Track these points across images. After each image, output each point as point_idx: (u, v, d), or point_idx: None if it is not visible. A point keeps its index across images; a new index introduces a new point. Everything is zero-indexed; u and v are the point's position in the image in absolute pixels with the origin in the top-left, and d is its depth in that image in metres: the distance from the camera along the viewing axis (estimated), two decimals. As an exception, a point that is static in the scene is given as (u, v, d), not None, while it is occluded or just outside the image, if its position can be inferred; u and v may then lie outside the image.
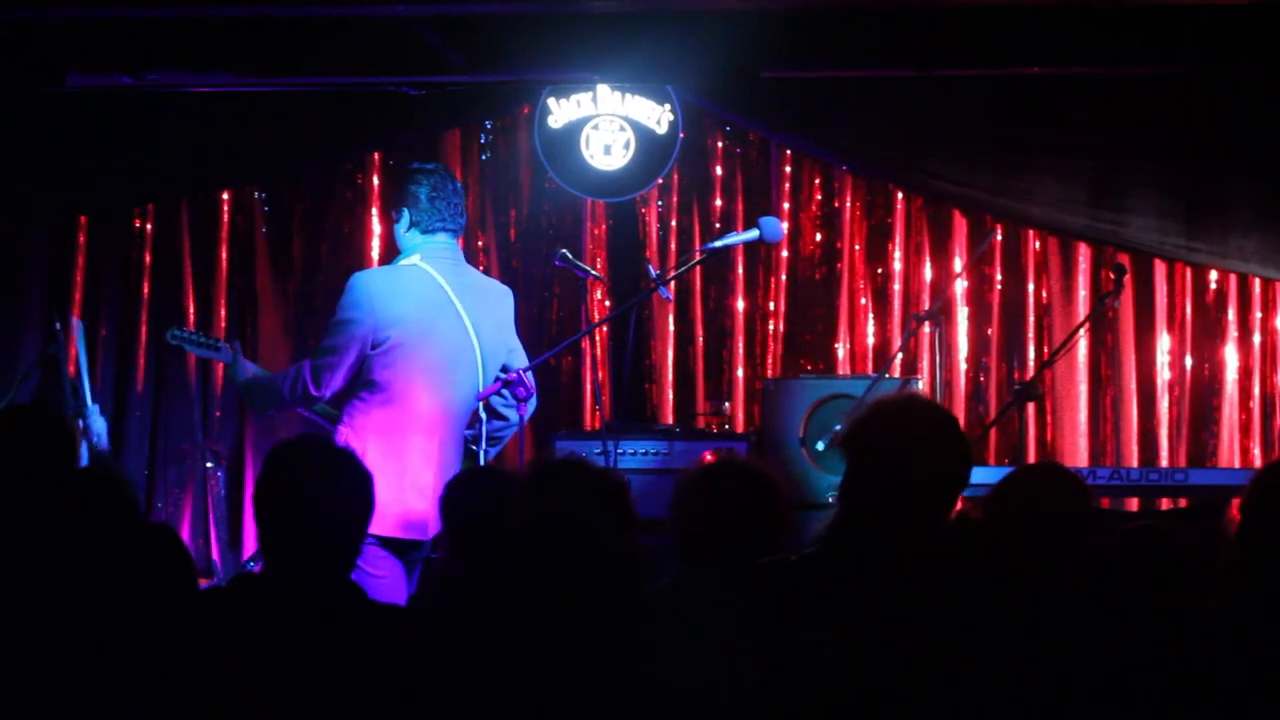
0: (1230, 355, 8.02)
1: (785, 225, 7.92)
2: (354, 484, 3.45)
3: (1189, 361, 8.05)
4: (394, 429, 5.71)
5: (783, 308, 8.24)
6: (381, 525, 5.62)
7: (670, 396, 8.24)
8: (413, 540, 5.68)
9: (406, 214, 5.88)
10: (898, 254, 8.18)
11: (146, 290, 8.24)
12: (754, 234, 6.07)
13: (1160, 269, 8.05)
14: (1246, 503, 3.37)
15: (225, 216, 8.32)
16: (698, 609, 3.56)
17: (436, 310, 5.77)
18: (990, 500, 4.21)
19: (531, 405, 5.91)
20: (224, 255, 8.29)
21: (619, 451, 6.59)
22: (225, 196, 8.31)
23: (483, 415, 5.90)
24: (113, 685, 3.26)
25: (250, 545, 7.97)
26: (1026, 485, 4.30)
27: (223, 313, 8.26)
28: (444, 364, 5.77)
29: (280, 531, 3.38)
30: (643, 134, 7.97)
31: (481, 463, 5.89)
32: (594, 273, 6.73)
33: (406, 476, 5.66)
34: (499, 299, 6.03)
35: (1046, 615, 3.25)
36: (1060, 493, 4.27)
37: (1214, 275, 8.05)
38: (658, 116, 7.96)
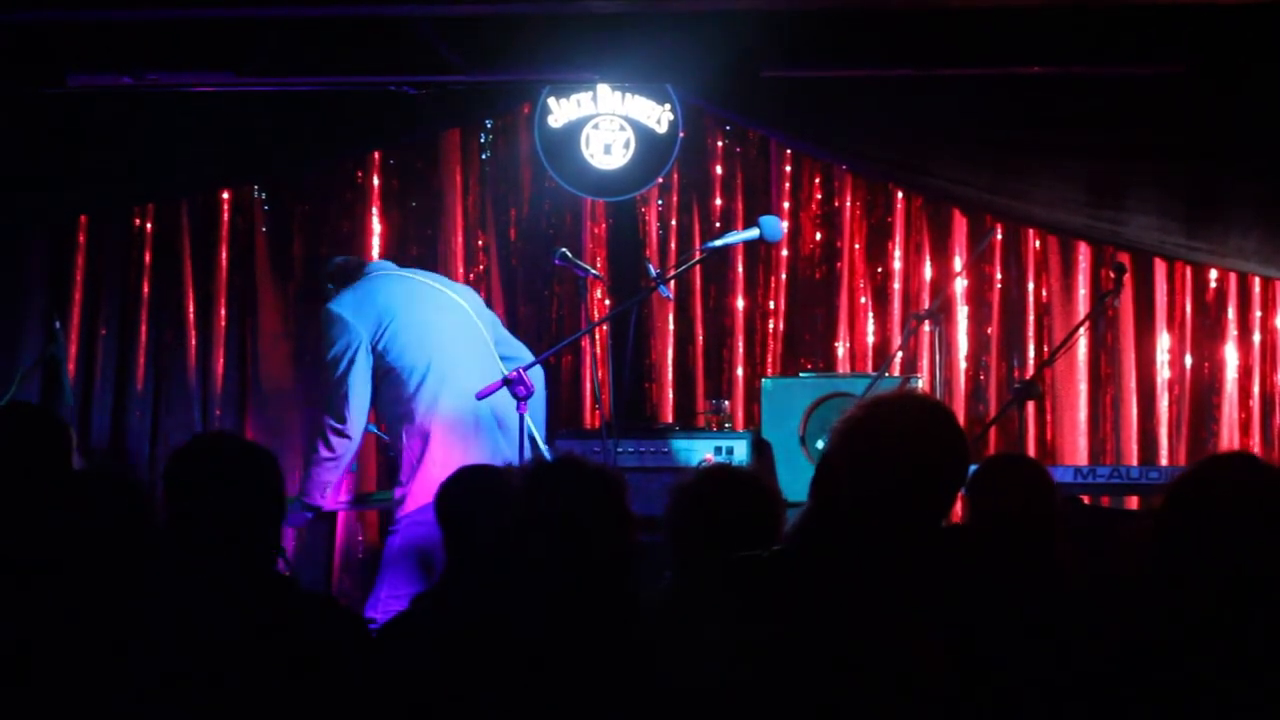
0: (1230, 354, 8.02)
1: (785, 224, 7.92)
2: (251, 479, 3.45)
3: (1189, 360, 8.05)
4: (439, 399, 5.95)
5: (783, 307, 8.24)
6: None
7: (670, 395, 8.25)
8: None
9: (333, 287, 6.32)
10: (898, 253, 8.18)
11: (146, 290, 8.23)
12: (754, 233, 6.11)
13: (1160, 268, 8.05)
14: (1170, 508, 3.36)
15: (225, 216, 8.31)
16: (692, 611, 3.56)
17: (411, 291, 6.15)
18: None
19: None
20: (224, 255, 8.29)
21: (619, 450, 6.60)
22: (225, 196, 8.31)
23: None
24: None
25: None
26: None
27: (223, 313, 8.26)
28: (447, 328, 5.99)
29: (186, 527, 3.39)
30: (643, 133, 7.96)
31: (543, 439, 6.01)
32: (594, 272, 6.77)
33: (475, 438, 5.88)
34: (465, 287, 6.53)
35: (1039, 614, 3.25)
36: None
37: (1214, 274, 8.05)
38: (658, 116, 7.97)
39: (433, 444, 6.13)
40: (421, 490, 6.12)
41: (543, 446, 6.10)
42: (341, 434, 6.11)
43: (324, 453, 6.18)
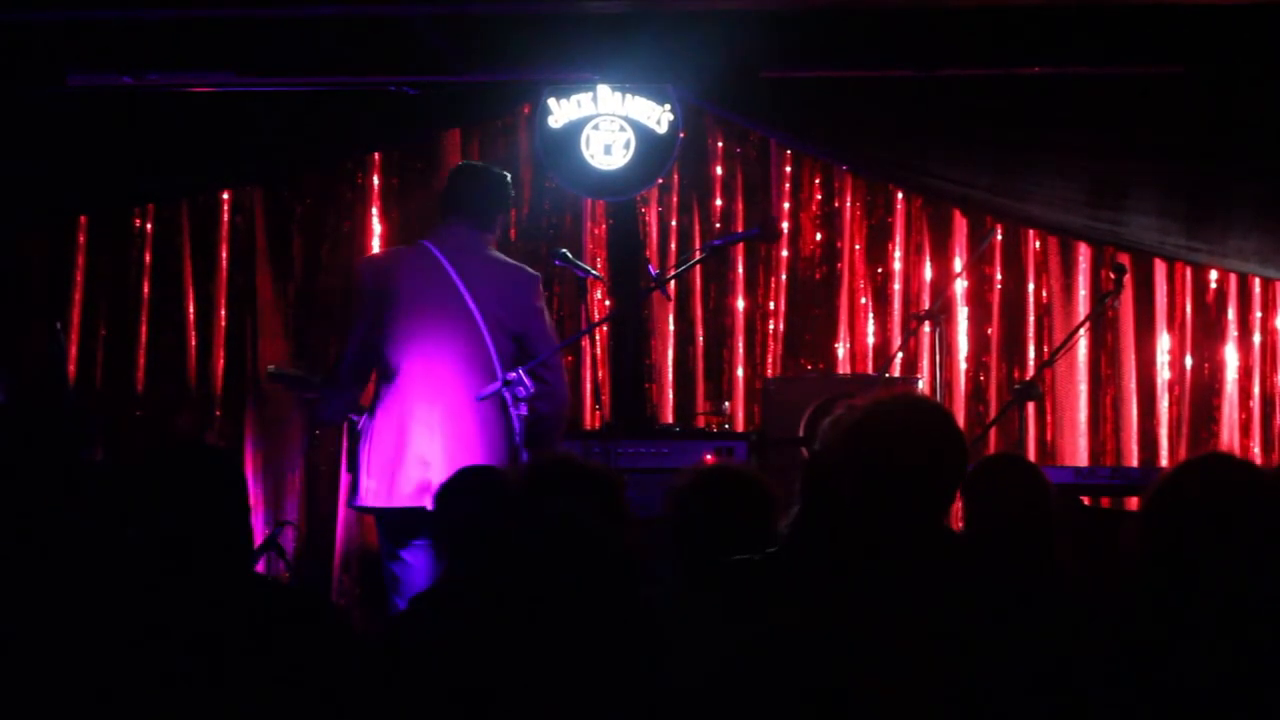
0: (1230, 355, 8.02)
1: (785, 225, 7.94)
2: (216, 481, 3.44)
3: (1189, 361, 8.05)
4: (396, 400, 5.96)
5: (783, 307, 8.24)
6: (386, 497, 5.81)
7: (670, 396, 8.24)
8: (415, 509, 5.81)
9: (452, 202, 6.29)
10: (898, 254, 8.18)
11: (146, 290, 8.22)
12: (754, 233, 6.11)
13: (1160, 268, 8.05)
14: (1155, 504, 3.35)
15: (225, 216, 8.31)
16: (691, 613, 3.57)
17: (427, 278, 6.02)
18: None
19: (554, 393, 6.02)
20: (224, 255, 8.28)
21: (619, 451, 6.59)
22: (225, 196, 8.30)
23: (508, 399, 5.92)
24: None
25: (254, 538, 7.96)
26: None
27: (223, 313, 8.25)
28: (438, 329, 5.94)
29: (160, 531, 3.38)
30: (643, 134, 7.95)
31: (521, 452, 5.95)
32: (594, 272, 6.77)
33: (406, 446, 5.83)
34: (510, 276, 6.23)
35: (1035, 615, 3.25)
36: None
37: (1214, 275, 8.05)
38: (658, 116, 7.95)
39: (370, 445, 6.06)
40: (360, 488, 6.12)
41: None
42: (332, 380, 6.18)
43: (318, 378, 6.24)
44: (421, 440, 5.91)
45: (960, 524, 4.86)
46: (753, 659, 2.96)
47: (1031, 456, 7.42)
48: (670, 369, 8.25)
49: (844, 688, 3.01)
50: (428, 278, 6.02)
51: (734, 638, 3.00)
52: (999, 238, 8.01)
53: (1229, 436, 7.97)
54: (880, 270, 8.22)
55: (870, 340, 8.17)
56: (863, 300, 8.21)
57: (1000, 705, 3.12)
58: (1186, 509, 3.24)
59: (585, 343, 7.86)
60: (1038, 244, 8.13)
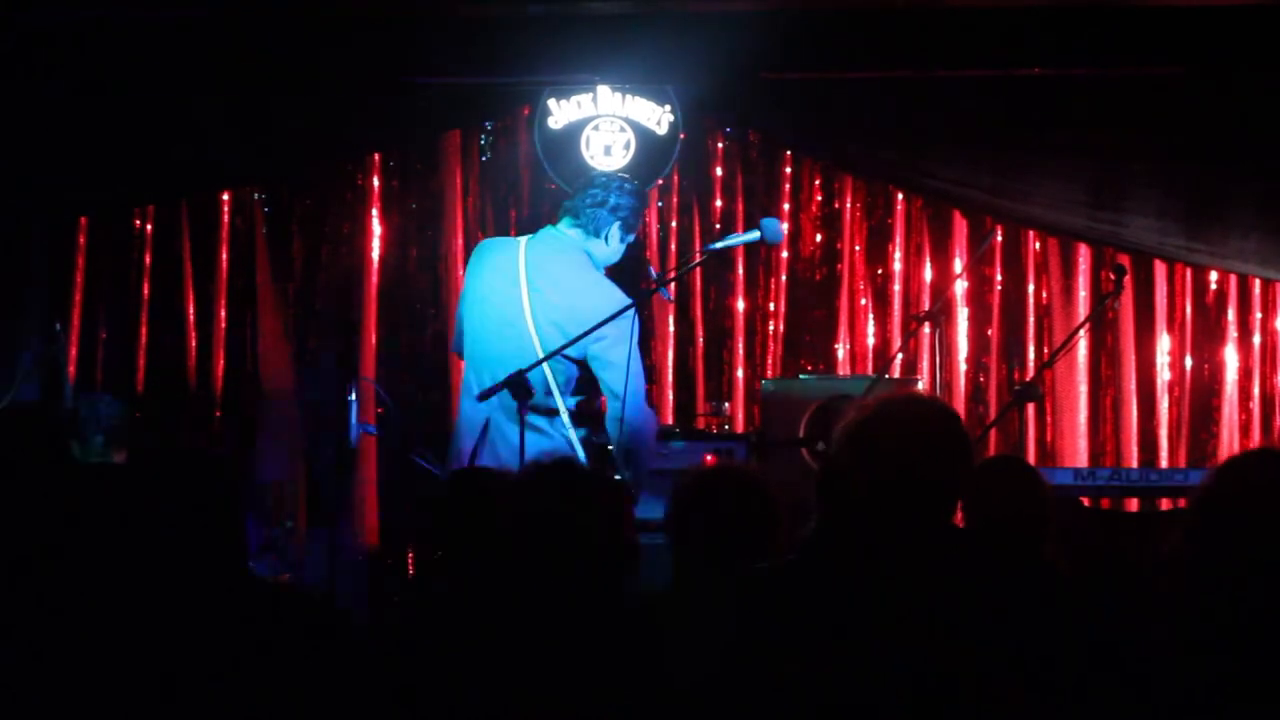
0: (1230, 356, 8.03)
1: (785, 226, 7.93)
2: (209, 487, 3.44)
3: (1189, 362, 8.06)
4: (464, 396, 5.99)
5: (783, 308, 8.24)
6: None
7: (670, 397, 8.24)
8: None
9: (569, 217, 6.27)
10: (898, 254, 8.18)
11: (146, 291, 8.22)
12: (754, 235, 6.09)
13: (1160, 269, 8.05)
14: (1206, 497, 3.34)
15: (225, 217, 8.30)
16: (693, 614, 3.56)
17: (498, 277, 5.95)
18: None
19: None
20: (224, 256, 8.28)
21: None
22: (225, 197, 8.30)
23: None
24: None
25: (251, 544, 7.95)
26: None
27: (223, 314, 8.25)
28: (491, 331, 5.97)
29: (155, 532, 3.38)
30: (643, 135, 7.96)
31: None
32: (594, 273, 6.74)
33: (453, 443, 5.92)
34: (593, 291, 6.09)
35: (1050, 616, 3.24)
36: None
37: (1214, 276, 8.05)
38: (658, 117, 7.96)
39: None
40: None
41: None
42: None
43: None
44: (459, 436, 6.05)
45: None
46: (763, 664, 2.96)
47: (1031, 458, 7.43)
48: (670, 370, 8.25)
49: (857, 693, 3.01)
50: (499, 276, 6.07)
51: (750, 644, 3.00)
52: (999, 239, 8.02)
53: (1229, 438, 7.97)
54: (880, 271, 8.22)
55: (870, 341, 8.17)
56: (863, 301, 8.21)
57: (1012, 708, 3.12)
58: (1240, 506, 3.23)
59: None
60: (1038, 245, 8.13)
